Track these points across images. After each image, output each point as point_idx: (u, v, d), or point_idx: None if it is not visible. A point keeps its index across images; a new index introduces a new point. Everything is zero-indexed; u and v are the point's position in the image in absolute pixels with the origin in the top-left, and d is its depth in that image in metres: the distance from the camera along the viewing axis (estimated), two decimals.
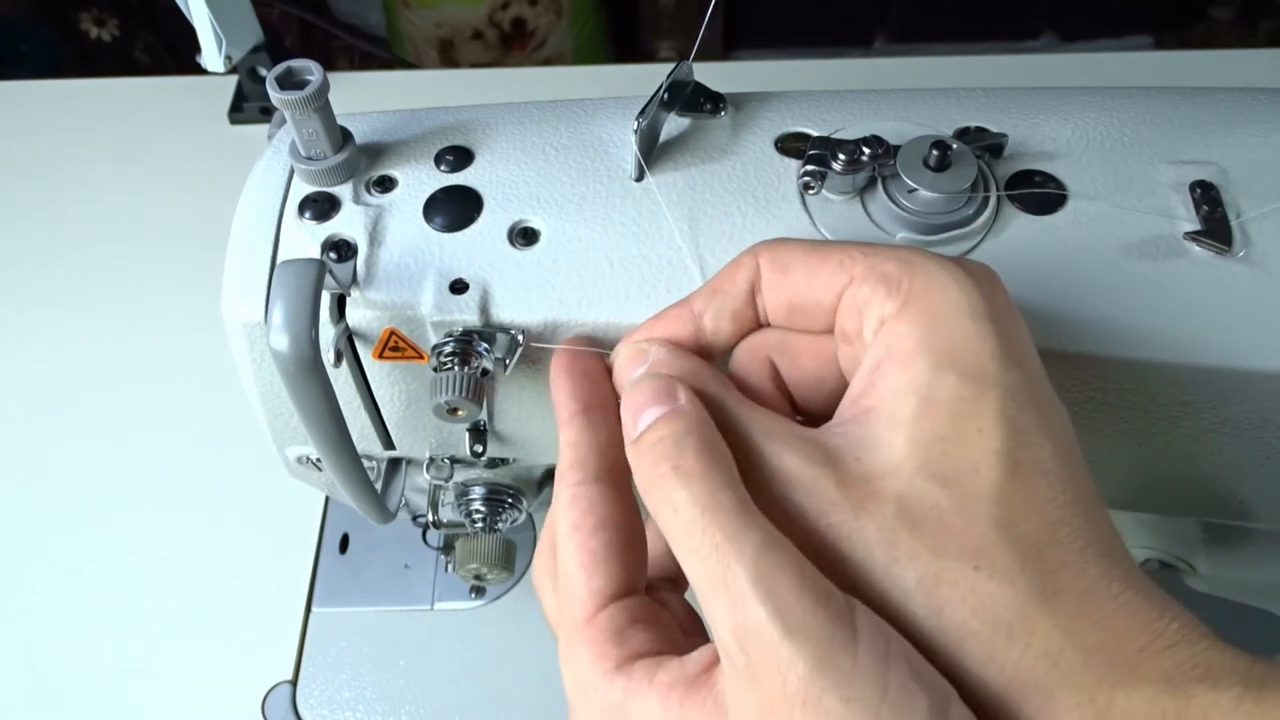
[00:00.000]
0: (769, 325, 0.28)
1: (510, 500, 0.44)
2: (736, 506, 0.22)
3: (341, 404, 0.31)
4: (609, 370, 0.29)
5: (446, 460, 0.39)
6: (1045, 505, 0.22)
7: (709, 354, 0.28)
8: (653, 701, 0.23)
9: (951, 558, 0.22)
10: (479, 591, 0.53)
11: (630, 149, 0.33)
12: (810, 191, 0.33)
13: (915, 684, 0.20)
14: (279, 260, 0.33)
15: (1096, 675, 0.21)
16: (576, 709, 0.25)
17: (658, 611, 0.26)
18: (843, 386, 0.26)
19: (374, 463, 0.40)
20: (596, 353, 0.30)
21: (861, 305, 0.25)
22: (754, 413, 0.25)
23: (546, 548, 0.29)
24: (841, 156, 0.31)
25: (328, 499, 0.57)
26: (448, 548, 0.51)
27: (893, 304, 0.24)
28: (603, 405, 0.28)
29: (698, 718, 0.22)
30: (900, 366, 0.24)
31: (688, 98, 0.34)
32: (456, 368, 0.31)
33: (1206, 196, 0.32)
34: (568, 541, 0.26)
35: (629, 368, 0.28)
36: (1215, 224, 0.31)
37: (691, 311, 0.28)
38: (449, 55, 1.29)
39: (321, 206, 0.33)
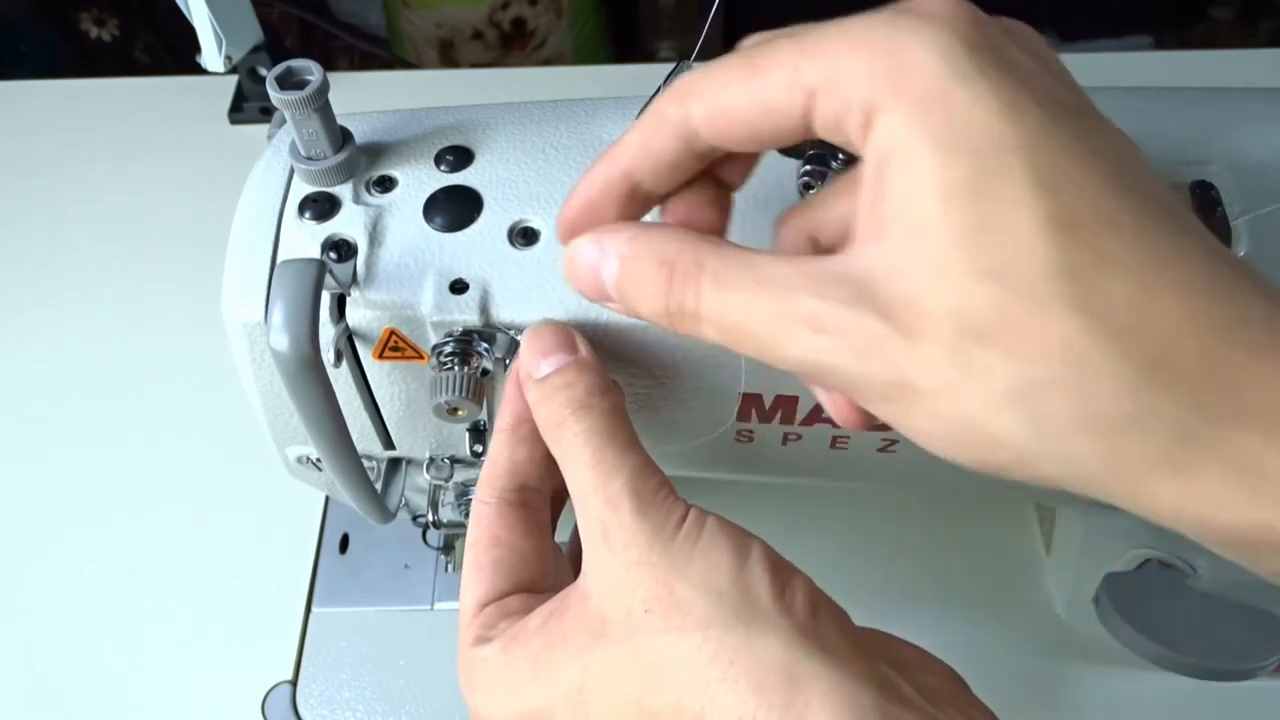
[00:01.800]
0: (720, 154, 0.25)
1: None
2: (625, 436, 0.27)
3: (341, 404, 0.31)
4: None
5: (446, 460, 0.39)
6: (1124, 254, 0.19)
7: (647, 206, 0.26)
8: (521, 652, 0.27)
9: (1037, 360, 0.19)
10: None
11: None
12: (810, 191, 0.33)
13: (721, 536, 0.25)
14: (279, 260, 0.33)
15: (1246, 441, 0.19)
16: (464, 691, 0.29)
17: (536, 601, 0.28)
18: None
19: (374, 463, 0.40)
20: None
21: (838, 118, 0.22)
22: (758, 266, 0.23)
23: None
24: (841, 156, 0.31)
25: (328, 499, 0.57)
26: (448, 548, 0.51)
27: (873, 100, 0.21)
28: (533, 421, 0.29)
29: (553, 652, 0.26)
30: (905, 165, 0.20)
31: None
32: (456, 368, 0.31)
33: (1206, 196, 0.32)
34: (467, 552, 0.30)
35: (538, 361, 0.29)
36: (1215, 224, 0.31)
37: (623, 175, 0.26)
38: (449, 55, 1.29)
39: (321, 206, 0.33)
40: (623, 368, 0.33)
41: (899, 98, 0.20)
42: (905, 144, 0.20)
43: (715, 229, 0.27)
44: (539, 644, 0.26)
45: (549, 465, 0.30)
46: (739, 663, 0.23)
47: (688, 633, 0.23)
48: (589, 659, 0.25)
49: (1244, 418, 0.19)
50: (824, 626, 0.24)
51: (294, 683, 0.51)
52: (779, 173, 0.34)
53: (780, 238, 0.27)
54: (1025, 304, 0.19)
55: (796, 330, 0.22)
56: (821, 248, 0.26)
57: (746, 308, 0.22)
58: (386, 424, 0.37)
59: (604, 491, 0.26)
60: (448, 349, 0.32)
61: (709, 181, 0.27)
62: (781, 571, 0.25)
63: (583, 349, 0.29)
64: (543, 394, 0.28)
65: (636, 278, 0.24)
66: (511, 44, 1.28)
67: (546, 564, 0.30)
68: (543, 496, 0.31)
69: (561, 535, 0.35)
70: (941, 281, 0.20)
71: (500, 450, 0.30)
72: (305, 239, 0.33)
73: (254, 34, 0.71)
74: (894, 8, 0.22)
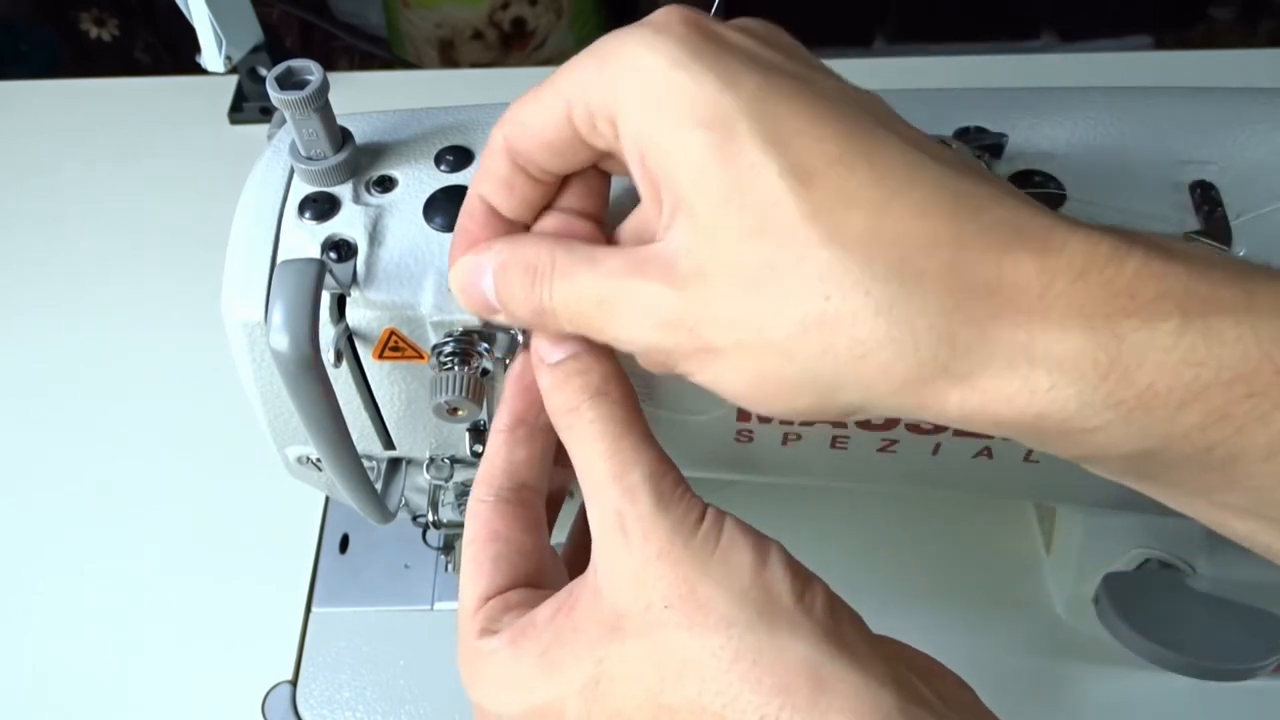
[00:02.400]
0: (555, 179, 0.28)
1: None
2: (641, 428, 0.27)
3: (341, 404, 0.31)
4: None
5: (446, 460, 0.39)
6: (861, 189, 0.21)
7: (516, 227, 0.28)
8: (529, 645, 0.27)
9: (806, 300, 0.21)
10: None
11: None
12: None
13: (741, 537, 0.25)
14: (279, 260, 0.33)
15: (1009, 335, 0.20)
16: (467, 687, 0.29)
17: (539, 596, 0.28)
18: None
19: (374, 463, 0.40)
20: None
21: (591, 120, 0.24)
22: (597, 258, 0.25)
23: None
24: None
25: (328, 499, 0.57)
26: (448, 548, 0.51)
27: (612, 101, 0.23)
28: (531, 422, 0.30)
29: (563, 645, 0.26)
30: (657, 154, 0.23)
31: None
32: (456, 368, 0.31)
33: (1206, 196, 0.32)
34: (465, 549, 0.29)
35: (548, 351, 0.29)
36: (1215, 224, 0.31)
37: (479, 198, 0.28)
38: (449, 55, 1.29)
39: (321, 206, 0.33)
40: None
41: (631, 96, 0.23)
42: (649, 135, 0.23)
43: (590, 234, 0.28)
44: (549, 637, 0.26)
45: (546, 466, 0.31)
46: (762, 663, 0.23)
47: (710, 631, 0.23)
48: (604, 652, 0.25)
49: (1000, 314, 0.20)
50: (844, 629, 0.24)
51: (294, 683, 0.51)
52: None
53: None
54: (786, 251, 0.21)
55: (622, 312, 0.24)
56: None
57: (584, 296, 0.25)
58: (386, 424, 0.37)
59: (621, 482, 0.25)
60: (448, 349, 0.32)
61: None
62: (801, 574, 0.25)
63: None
64: (556, 379, 0.28)
65: (509, 284, 0.26)
66: (511, 44, 1.28)
67: (545, 560, 0.30)
68: (540, 496, 0.31)
69: (558, 535, 0.35)
70: (716, 251, 0.22)
71: (498, 450, 0.30)
72: (305, 239, 0.33)
73: (254, 34, 0.71)
74: (640, 21, 0.24)
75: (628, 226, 0.28)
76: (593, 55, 0.24)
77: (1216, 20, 1.35)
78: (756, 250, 0.21)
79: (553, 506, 0.34)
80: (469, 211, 0.29)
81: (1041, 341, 0.20)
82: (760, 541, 0.25)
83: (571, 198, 0.28)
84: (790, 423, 0.35)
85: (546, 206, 0.28)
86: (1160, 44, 1.32)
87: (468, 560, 0.29)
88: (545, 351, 0.28)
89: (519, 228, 0.29)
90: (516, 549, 0.29)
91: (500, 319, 0.28)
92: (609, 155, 0.26)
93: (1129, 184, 0.33)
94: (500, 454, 0.30)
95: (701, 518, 0.25)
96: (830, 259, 0.20)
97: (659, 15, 0.24)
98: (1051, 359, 0.20)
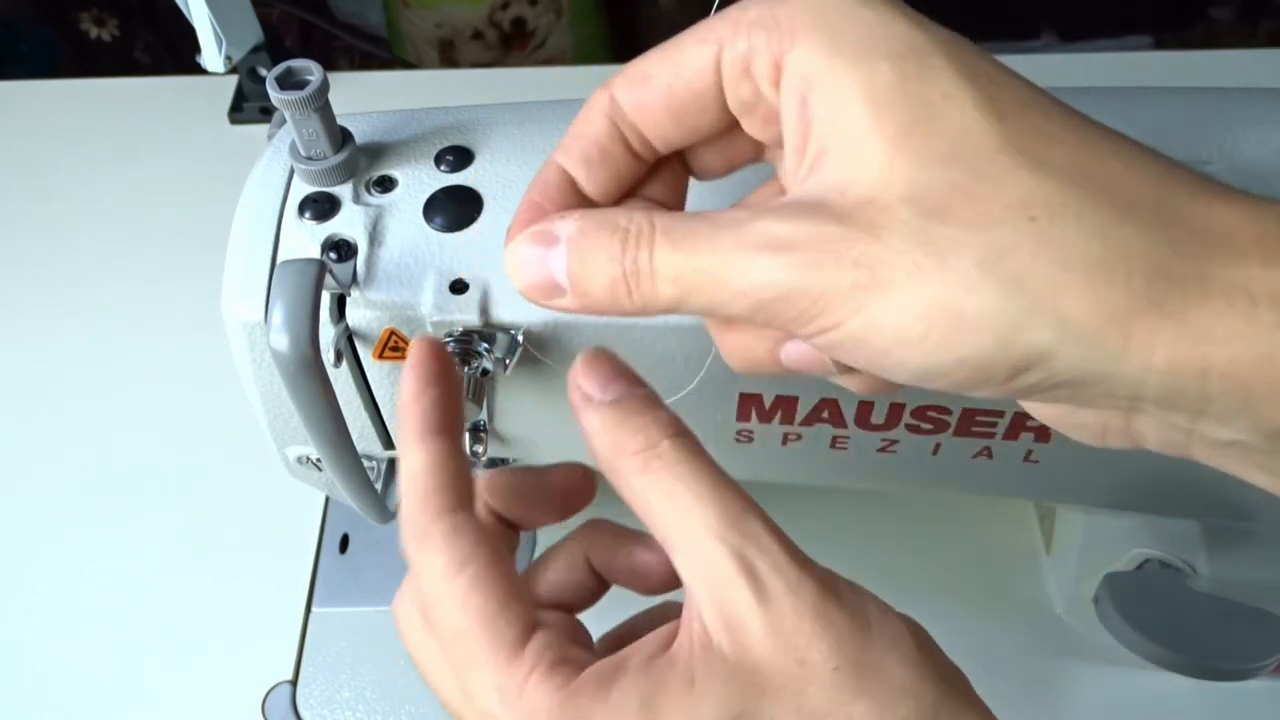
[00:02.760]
0: (653, 157, 0.25)
1: None
2: (732, 480, 0.23)
3: (341, 404, 0.31)
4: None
5: None
6: (1059, 131, 0.20)
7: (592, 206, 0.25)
8: (629, 689, 0.22)
9: (1002, 222, 0.19)
10: None
11: None
12: None
13: (878, 604, 0.23)
14: (279, 260, 0.33)
15: (1227, 273, 0.18)
16: None
17: (571, 621, 0.27)
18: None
19: (374, 463, 0.40)
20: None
21: (746, 62, 0.22)
22: (710, 216, 0.22)
23: (410, 594, 0.26)
24: None
25: (328, 499, 0.57)
26: None
27: (780, 39, 0.21)
28: (454, 433, 0.25)
29: (670, 695, 0.22)
30: (827, 88, 0.21)
31: None
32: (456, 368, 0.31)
33: None
34: (458, 578, 0.23)
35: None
36: None
37: (558, 166, 0.25)
38: (449, 55, 1.29)
39: (321, 206, 0.33)
40: None
41: (808, 29, 0.21)
42: (824, 67, 0.21)
43: None
44: (651, 683, 0.22)
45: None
46: None
47: (892, 702, 0.22)
48: (744, 706, 0.22)
49: (1214, 253, 0.19)
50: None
51: (294, 683, 0.51)
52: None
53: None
54: (978, 177, 0.19)
55: (752, 256, 0.21)
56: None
57: (701, 250, 0.21)
58: (386, 424, 0.37)
59: (740, 528, 0.22)
60: (448, 349, 0.32)
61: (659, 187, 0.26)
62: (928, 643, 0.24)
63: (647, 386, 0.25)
64: (615, 416, 0.24)
65: (588, 251, 0.23)
66: (511, 44, 1.28)
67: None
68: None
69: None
70: (891, 176, 0.20)
71: (445, 458, 0.25)
72: (305, 239, 0.33)
73: (254, 34, 0.71)
74: None
75: (744, 203, 0.26)
76: (754, 0, 0.22)
77: (1216, 20, 1.35)
78: (945, 174, 0.19)
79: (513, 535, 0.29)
80: (543, 184, 0.25)
81: (1262, 280, 0.18)
82: (899, 614, 0.23)
83: (652, 190, 0.26)
84: (790, 423, 0.35)
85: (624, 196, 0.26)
86: (1160, 44, 1.32)
87: (470, 583, 0.23)
88: (590, 387, 0.24)
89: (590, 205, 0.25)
90: (525, 582, 0.25)
91: (561, 304, 0.24)
92: (732, 126, 0.24)
93: None
94: (451, 460, 0.25)
95: (833, 578, 0.23)
96: (1035, 183, 0.19)
97: None
98: (1276, 297, 0.18)
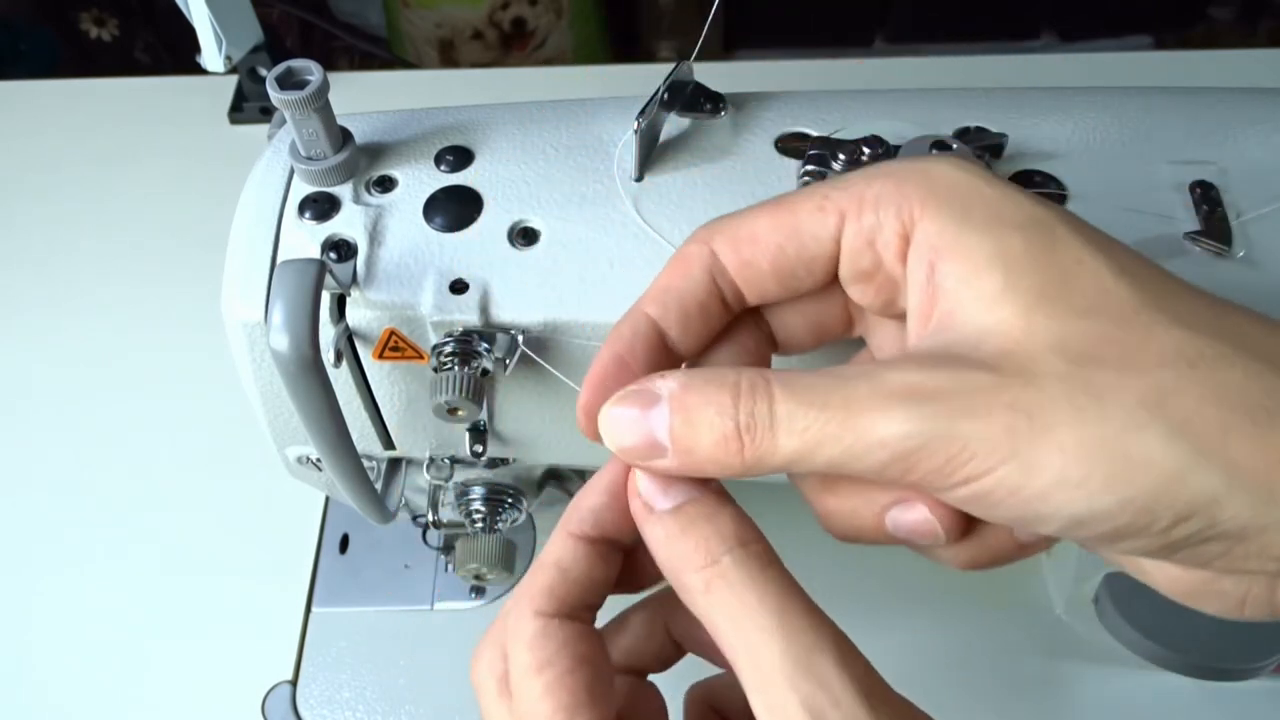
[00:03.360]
0: (746, 308, 0.25)
1: (510, 500, 0.44)
2: (802, 594, 0.22)
3: (341, 404, 0.31)
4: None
5: (446, 460, 0.39)
6: (1188, 295, 0.21)
7: (678, 362, 0.25)
8: None
9: (1161, 367, 0.19)
10: (479, 591, 0.53)
11: (630, 149, 0.33)
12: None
13: None
14: (279, 260, 0.33)
15: None
16: None
17: (642, 694, 0.26)
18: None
19: (374, 463, 0.40)
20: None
21: (871, 235, 0.23)
22: (827, 370, 0.21)
23: (495, 654, 0.25)
24: (841, 156, 0.31)
25: (328, 499, 0.57)
26: (448, 548, 0.51)
27: (908, 214, 0.22)
28: (621, 543, 0.25)
29: None
30: (958, 256, 0.21)
31: (688, 98, 0.35)
32: (456, 368, 0.31)
33: (1206, 196, 0.32)
34: (532, 681, 0.23)
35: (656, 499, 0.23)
36: (1215, 224, 0.31)
37: (648, 320, 0.24)
38: (449, 55, 1.29)
39: (321, 206, 0.33)
40: None
41: (936, 203, 0.22)
42: (954, 237, 0.22)
43: None
44: None
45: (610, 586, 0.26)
46: None
47: None
48: None
49: None
50: None
51: (294, 683, 0.51)
52: (779, 173, 0.34)
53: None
54: (1125, 330, 0.20)
55: (893, 405, 0.20)
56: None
57: (833, 401, 0.20)
58: (386, 424, 0.37)
59: (809, 670, 0.20)
60: (448, 349, 0.32)
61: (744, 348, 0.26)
62: None
63: (709, 486, 0.24)
64: (678, 525, 0.23)
65: (694, 408, 0.22)
66: (511, 44, 1.28)
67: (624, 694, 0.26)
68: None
69: None
70: (1032, 329, 0.20)
71: (576, 561, 0.24)
72: (305, 239, 0.33)
73: (254, 34, 0.71)
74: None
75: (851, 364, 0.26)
76: (879, 173, 0.23)
77: (1216, 20, 1.35)
78: (1091, 326, 0.20)
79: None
80: (629, 336, 0.24)
81: None
82: None
83: (739, 341, 0.26)
84: None
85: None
86: (1160, 44, 1.32)
87: (541, 691, 0.23)
88: (651, 494, 0.23)
89: (677, 360, 0.25)
90: (607, 681, 0.24)
91: (662, 465, 0.22)
92: (830, 288, 0.24)
93: (1129, 184, 0.33)
94: (579, 566, 0.24)
95: (910, 712, 0.21)
96: (1185, 336, 0.20)
97: (944, 154, 0.25)
98: None
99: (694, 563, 0.22)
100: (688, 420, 0.22)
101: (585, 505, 0.25)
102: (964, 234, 0.21)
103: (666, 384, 0.22)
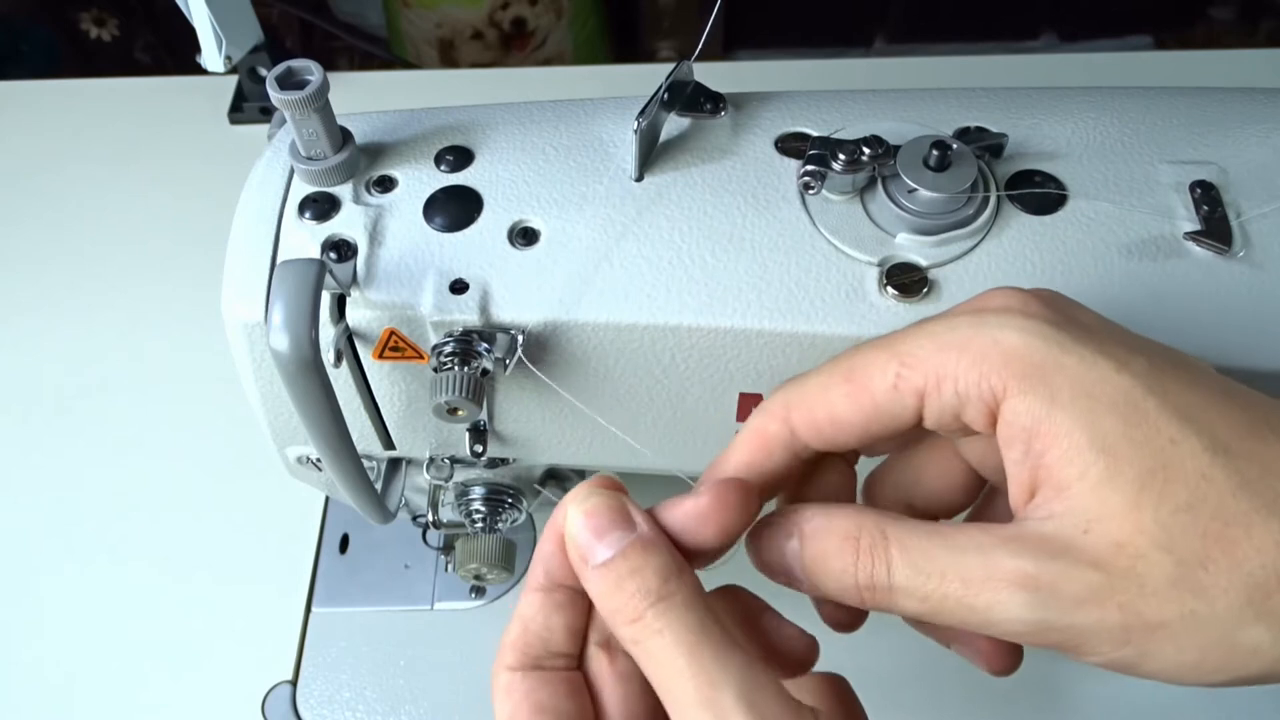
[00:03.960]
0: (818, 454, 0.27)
1: (510, 500, 0.44)
2: (718, 630, 0.23)
3: (341, 404, 0.31)
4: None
5: (446, 460, 0.39)
6: (1268, 449, 0.22)
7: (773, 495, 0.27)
8: None
9: (1262, 565, 0.21)
10: (479, 591, 0.53)
11: (630, 149, 0.33)
12: (810, 191, 0.33)
13: None
14: (279, 260, 0.33)
15: None
16: None
17: None
18: (964, 482, 0.27)
19: (374, 463, 0.40)
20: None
21: (955, 411, 0.24)
22: (945, 534, 0.23)
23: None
24: (841, 156, 0.31)
25: (328, 499, 0.57)
26: (448, 548, 0.51)
27: (989, 393, 0.23)
28: (574, 587, 0.26)
29: None
30: (1054, 436, 0.22)
31: (688, 98, 0.35)
32: (456, 368, 0.31)
33: (1206, 196, 0.32)
34: None
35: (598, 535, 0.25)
36: (1215, 224, 0.31)
37: (743, 488, 0.25)
38: (449, 55, 1.29)
39: (321, 206, 0.33)
40: (622, 368, 0.33)
41: (1019, 380, 0.22)
42: (1047, 416, 0.22)
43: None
44: None
45: (583, 629, 0.27)
46: None
47: None
48: None
49: None
50: None
51: (294, 683, 0.51)
52: (779, 173, 0.34)
53: (875, 500, 0.29)
54: (1225, 523, 0.21)
55: (1006, 591, 0.22)
56: (918, 513, 0.28)
57: (945, 575, 0.22)
58: (386, 424, 0.37)
59: (713, 706, 0.22)
60: (448, 349, 0.32)
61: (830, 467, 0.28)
62: None
63: (641, 522, 0.25)
64: (608, 583, 0.24)
65: (822, 555, 0.24)
66: (511, 44, 1.28)
67: None
68: (577, 655, 0.27)
69: None
70: (1140, 523, 0.21)
71: (534, 614, 0.27)
72: (305, 239, 0.33)
73: (254, 34, 0.71)
74: (965, 309, 0.25)
75: (882, 490, 0.28)
76: (946, 343, 0.24)
77: (1216, 20, 1.35)
78: (1194, 522, 0.21)
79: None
80: (724, 496, 0.25)
81: None
82: None
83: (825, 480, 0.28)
84: None
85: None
86: (1160, 44, 1.32)
87: None
88: (588, 548, 0.25)
89: (757, 502, 0.26)
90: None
91: (802, 588, 0.25)
92: (917, 430, 0.25)
93: (1129, 184, 0.33)
94: (536, 620, 0.26)
95: None
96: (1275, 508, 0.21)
97: (999, 297, 0.24)
98: None
99: (625, 617, 0.24)
100: (818, 562, 0.24)
101: (538, 555, 0.27)
102: (1055, 415, 0.22)
103: (799, 523, 0.25)
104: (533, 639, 0.26)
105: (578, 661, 0.27)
